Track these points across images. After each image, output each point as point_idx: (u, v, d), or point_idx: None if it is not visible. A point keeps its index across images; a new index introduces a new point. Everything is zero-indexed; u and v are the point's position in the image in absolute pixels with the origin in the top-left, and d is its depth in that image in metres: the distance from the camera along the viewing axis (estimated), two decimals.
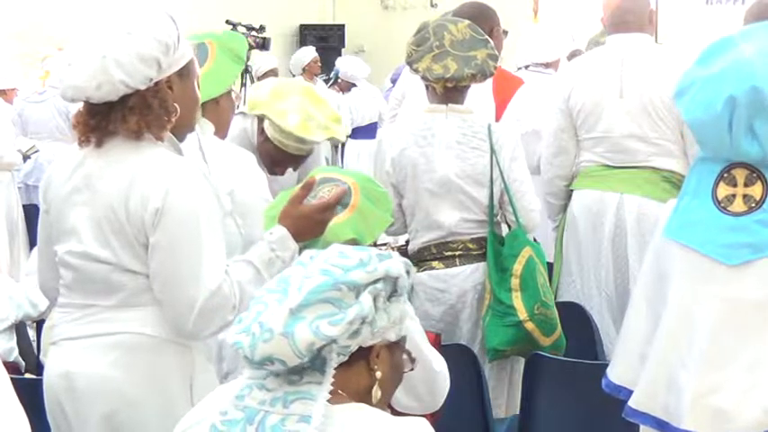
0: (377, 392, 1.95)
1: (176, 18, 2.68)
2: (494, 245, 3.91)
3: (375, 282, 1.90)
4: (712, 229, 2.46)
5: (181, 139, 2.76)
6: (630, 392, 2.60)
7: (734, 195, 2.45)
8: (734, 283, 2.43)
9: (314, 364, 1.88)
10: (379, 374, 1.94)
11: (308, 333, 1.84)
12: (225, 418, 1.93)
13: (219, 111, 3.43)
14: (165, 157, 2.65)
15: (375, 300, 1.90)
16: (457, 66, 3.88)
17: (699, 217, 2.49)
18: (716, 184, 2.47)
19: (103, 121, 2.64)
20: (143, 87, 2.61)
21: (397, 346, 1.99)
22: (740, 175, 2.45)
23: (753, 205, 2.43)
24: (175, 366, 2.66)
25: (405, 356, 2.03)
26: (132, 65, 2.58)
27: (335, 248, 1.98)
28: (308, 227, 2.75)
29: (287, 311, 1.86)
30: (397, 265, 1.95)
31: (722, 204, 2.45)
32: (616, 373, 2.67)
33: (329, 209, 2.77)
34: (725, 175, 2.47)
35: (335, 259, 1.93)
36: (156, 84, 2.63)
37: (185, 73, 2.71)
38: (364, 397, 1.94)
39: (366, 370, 1.94)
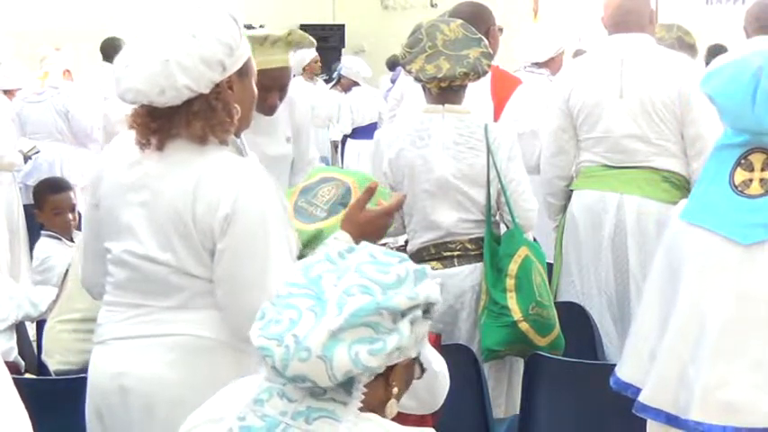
0: (392, 407, 1.94)
1: (237, 16, 2.60)
2: (490, 245, 3.91)
3: (414, 308, 1.88)
4: (729, 210, 2.49)
5: (238, 137, 2.70)
6: (637, 390, 2.60)
7: (751, 180, 2.49)
8: (746, 270, 2.45)
9: (340, 382, 1.86)
10: (395, 391, 1.93)
11: (347, 361, 1.81)
12: (243, 424, 1.90)
13: None
14: (230, 161, 2.58)
15: (411, 327, 1.88)
16: (449, 65, 3.88)
17: (715, 200, 2.52)
18: (733, 170, 2.51)
19: (166, 124, 2.56)
20: (207, 91, 2.54)
21: (414, 361, 1.98)
22: (757, 160, 2.49)
23: None
24: (233, 370, 2.55)
25: (416, 366, 2.02)
26: (197, 69, 2.50)
27: (366, 250, 1.95)
28: (370, 232, 2.71)
29: (327, 333, 1.81)
30: (435, 289, 1.92)
31: (739, 188, 2.49)
32: (625, 372, 2.67)
33: (391, 213, 2.76)
34: (742, 161, 2.50)
35: (371, 270, 1.89)
36: (218, 85, 2.56)
37: (245, 71, 2.64)
38: (376, 408, 1.93)
39: (383, 385, 1.92)
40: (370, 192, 2.76)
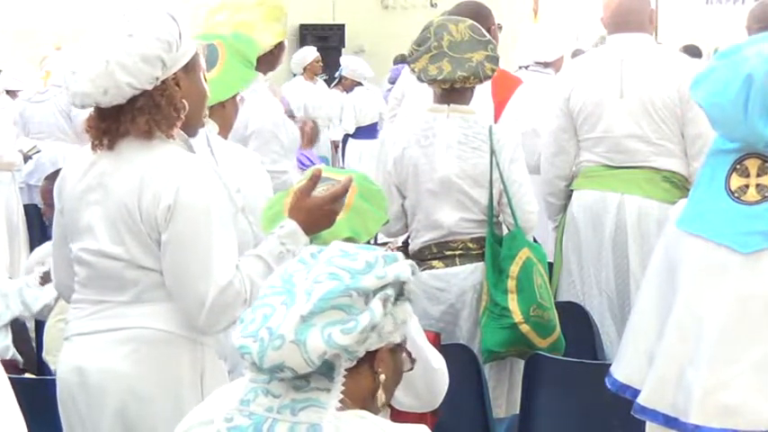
0: (381, 396, 1.94)
1: (176, 15, 2.68)
2: (492, 246, 3.91)
3: (384, 287, 1.89)
4: (726, 218, 2.47)
5: (191, 134, 2.78)
6: (636, 391, 2.60)
7: (747, 186, 2.47)
8: (746, 276, 2.44)
9: (320, 369, 1.86)
10: (382, 378, 1.94)
11: (320, 342, 1.82)
12: (231, 425, 1.91)
13: (225, 114, 3.44)
14: (175, 154, 2.67)
15: (384, 305, 1.88)
16: (451, 67, 3.88)
17: (712, 207, 2.50)
18: (728, 176, 2.49)
19: (114, 123, 2.66)
20: (150, 87, 2.62)
21: (399, 348, 1.99)
22: (753, 165, 2.47)
23: (766, 194, 2.45)
24: (187, 361, 2.69)
25: (405, 356, 2.02)
26: (137, 67, 2.59)
27: (337, 246, 1.97)
28: (318, 219, 2.74)
29: (297, 318, 1.83)
30: (405, 268, 1.93)
31: (735, 195, 2.47)
32: (622, 372, 2.67)
33: (338, 199, 2.75)
34: (737, 166, 2.49)
35: (341, 260, 1.91)
36: (163, 82, 2.64)
37: (191, 68, 2.72)
38: (367, 400, 1.93)
39: (370, 373, 1.93)
40: (314, 179, 2.77)
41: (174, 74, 2.66)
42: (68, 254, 2.80)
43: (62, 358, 2.81)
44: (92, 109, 2.70)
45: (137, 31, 2.61)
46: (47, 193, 5.05)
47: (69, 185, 2.77)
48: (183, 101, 2.67)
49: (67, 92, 2.68)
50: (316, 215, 2.73)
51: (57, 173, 5.41)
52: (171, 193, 2.60)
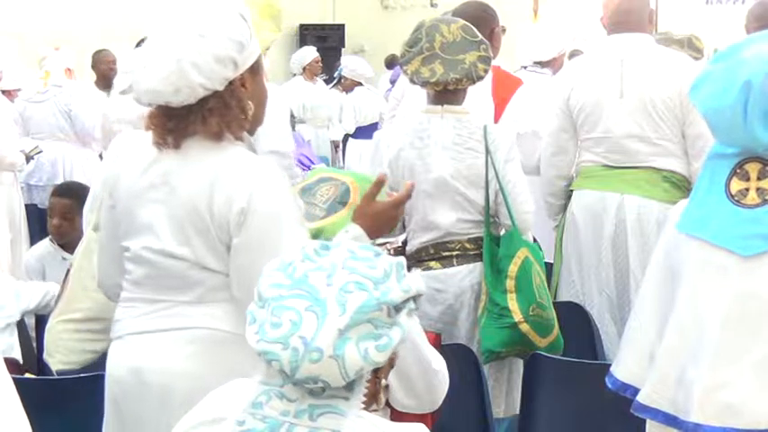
0: (381, 399, 1.97)
1: (246, 14, 2.65)
2: (490, 246, 3.91)
3: (408, 300, 1.91)
4: (726, 221, 2.47)
5: (252, 134, 2.76)
6: (636, 390, 2.60)
7: (747, 189, 2.47)
8: (746, 277, 2.44)
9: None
10: (384, 383, 1.96)
11: (358, 358, 1.84)
12: (243, 428, 1.91)
13: None
14: (246, 157, 2.64)
15: (408, 319, 1.91)
16: (443, 69, 3.87)
17: (712, 211, 2.50)
18: (729, 179, 2.49)
19: (182, 123, 2.62)
20: (221, 88, 2.59)
21: (395, 353, 2.00)
22: (753, 169, 2.47)
23: (767, 198, 2.45)
24: (249, 363, 2.64)
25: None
26: (209, 67, 2.56)
27: (344, 246, 1.97)
28: (382, 224, 2.78)
29: (335, 332, 1.84)
30: (421, 281, 1.96)
31: (735, 198, 2.47)
32: (622, 372, 2.67)
33: (401, 205, 2.80)
34: (737, 170, 2.49)
35: (358, 265, 1.92)
36: (231, 83, 2.61)
37: (256, 68, 2.70)
38: (368, 403, 1.95)
39: (374, 379, 1.95)
40: (379, 184, 2.80)
41: (242, 75, 2.63)
42: (117, 251, 2.76)
43: (114, 357, 2.75)
44: (152, 107, 2.64)
45: (208, 32, 2.58)
46: (60, 207, 5.06)
47: (126, 182, 2.71)
48: (250, 102, 2.65)
49: (135, 87, 2.63)
50: (379, 220, 2.77)
51: (67, 186, 5.45)
52: (245, 197, 2.56)
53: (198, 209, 2.60)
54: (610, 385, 2.69)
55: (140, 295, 2.71)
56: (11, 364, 4.16)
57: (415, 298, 1.94)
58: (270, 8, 4.36)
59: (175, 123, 2.62)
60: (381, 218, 2.77)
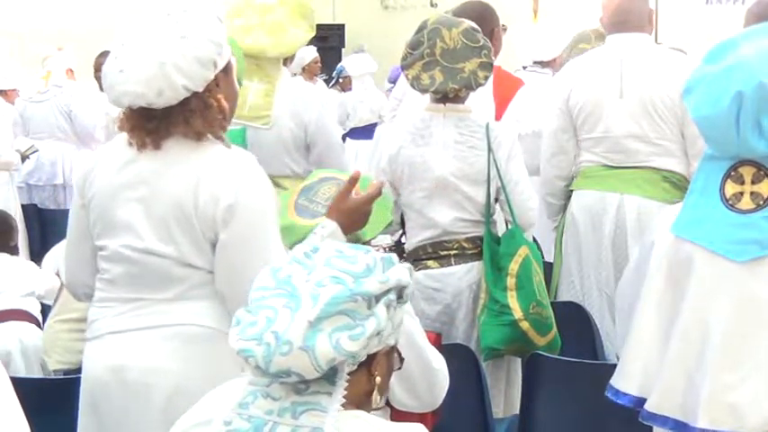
0: (377, 397, 1.95)
1: (222, 16, 2.71)
2: (490, 244, 3.91)
3: (387, 291, 1.90)
4: (720, 226, 2.47)
5: (225, 131, 2.78)
6: (641, 400, 2.58)
7: (741, 193, 2.46)
8: (744, 281, 2.44)
9: (325, 373, 1.87)
10: (378, 380, 1.95)
11: (329, 348, 1.83)
12: (230, 428, 1.91)
13: None
14: (229, 154, 2.68)
15: (388, 310, 1.89)
16: (443, 78, 3.88)
17: (707, 214, 2.50)
18: (723, 182, 2.48)
19: (162, 124, 2.65)
20: (201, 89, 2.63)
21: (392, 349, 2.00)
22: (747, 173, 2.46)
23: (761, 203, 2.45)
24: (231, 358, 2.64)
25: (396, 356, 2.03)
26: (192, 69, 2.59)
27: (332, 246, 1.97)
28: (356, 219, 2.81)
29: (305, 324, 1.83)
30: (406, 273, 1.95)
31: (730, 202, 2.47)
32: (623, 384, 2.64)
33: (373, 201, 2.83)
34: (732, 173, 2.48)
35: (340, 262, 1.92)
36: (209, 83, 2.65)
37: (228, 68, 2.74)
38: (362, 401, 1.94)
39: (366, 375, 1.94)
40: (353, 181, 2.84)
41: (215, 75, 2.66)
42: (88, 251, 2.77)
43: (91, 357, 2.75)
44: (126, 109, 2.66)
45: (189, 33, 2.61)
46: None
47: (101, 181, 2.73)
48: (225, 102, 2.69)
49: (111, 90, 2.64)
50: (353, 216, 2.80)
51: None
52: (231, 194, 2.60)
53: (183, 207, 2.62)
54: (612, 396, 2.65)
55: (116, 295, 2.72)
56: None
57: (400, 290, 1.93)
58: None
59: (156, 125, 2.65)
60: (355, 214, 2.81)
